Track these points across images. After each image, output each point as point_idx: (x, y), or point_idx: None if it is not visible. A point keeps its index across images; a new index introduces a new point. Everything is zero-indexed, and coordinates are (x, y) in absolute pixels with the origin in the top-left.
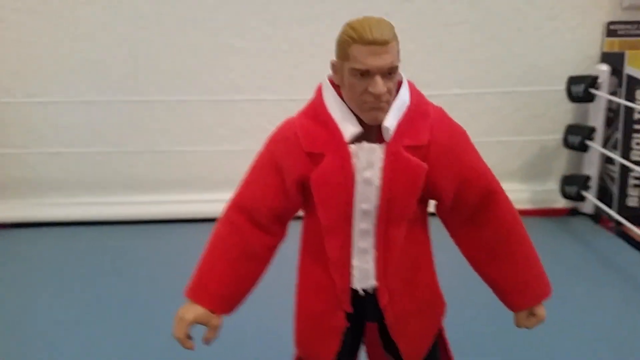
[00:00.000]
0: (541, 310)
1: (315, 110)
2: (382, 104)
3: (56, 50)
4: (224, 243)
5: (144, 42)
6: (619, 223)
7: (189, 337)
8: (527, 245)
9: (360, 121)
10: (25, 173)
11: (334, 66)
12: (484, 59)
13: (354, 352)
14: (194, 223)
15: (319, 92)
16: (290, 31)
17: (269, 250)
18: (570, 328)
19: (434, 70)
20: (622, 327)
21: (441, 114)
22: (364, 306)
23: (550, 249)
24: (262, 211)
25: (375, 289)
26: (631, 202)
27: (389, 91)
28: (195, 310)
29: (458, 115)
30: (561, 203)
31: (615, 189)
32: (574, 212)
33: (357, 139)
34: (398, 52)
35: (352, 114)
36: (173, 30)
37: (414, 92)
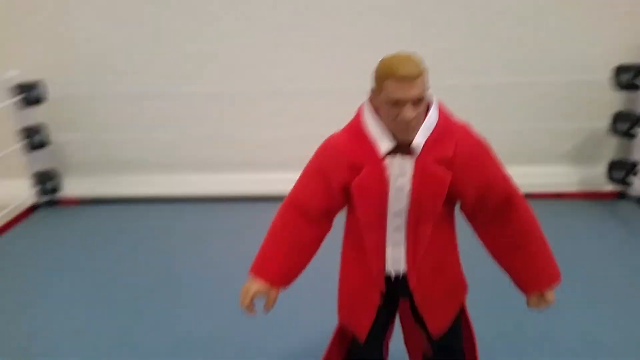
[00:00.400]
0: (550, 294)
1: (357, 128)
2: (411, 126)
3: (129, 48)
4: (280, 233)
5: (209, 40)
6: None
7: (253, 306)
8: (541, 240)
9: (394, 137)
10: (105, 154)
11: (372, 92)
12: (535, 48)
13: (388, 324)
14: (253, 201)
15: (360, 112)
16: (339, 27)
17: (317, 240)
18: (605, 306)
19: (487, 60)
20: None
21: (465, 130)
22: (397, 286)
23: (595, 231)
24: (312, 209)
25: (405, 274)
26: None
27: (417, 116)
28: (257, 284)
29: (510, 101)
30: (609, 187)
31: None
32: (622, 196)
33: (392, 153)
34: (425, 83)
35: (387, 132)
36: (235, 29)
37: (442, 112)
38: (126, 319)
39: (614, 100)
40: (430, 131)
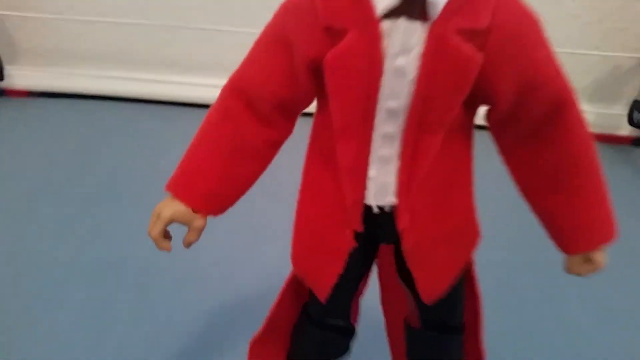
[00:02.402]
0: (599, 256)
1: None
2: None
3: None
4: (215, 133)
5: None
6: None
7: (166, 237)
8: (597, 177)
9: None
10: (57, 41)
11: None
12: None
13: (361, 278)
14: None
15: None
16: None
17: (270, 147)
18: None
19: None
20: None
21: None
22: (379, 226)
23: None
24: (265, 97)
25: (394, 208)
26: None
27: None
28: (174, 207)
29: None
30: (627, 130)
31: None
32: (638, 143)
33: (394, 13)
34: None
35: None
36: None
37: None
38: (56, 222)
39: None
40: None
